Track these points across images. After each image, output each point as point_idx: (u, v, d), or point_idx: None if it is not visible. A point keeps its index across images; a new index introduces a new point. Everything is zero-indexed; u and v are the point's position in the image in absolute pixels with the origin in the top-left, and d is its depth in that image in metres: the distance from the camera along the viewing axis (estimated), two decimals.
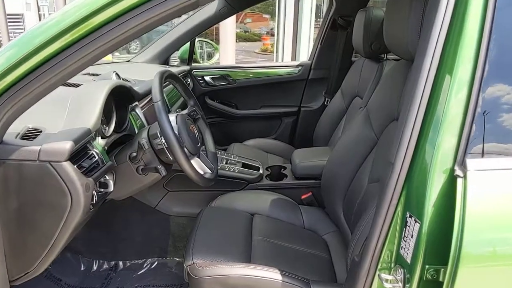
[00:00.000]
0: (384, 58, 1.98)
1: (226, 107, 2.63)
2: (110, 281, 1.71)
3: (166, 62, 2.48)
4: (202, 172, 1.33)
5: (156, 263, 1.78)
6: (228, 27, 7.27)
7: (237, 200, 1.60)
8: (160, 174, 1.23)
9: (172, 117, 1.26)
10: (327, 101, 2.52)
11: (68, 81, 1.47)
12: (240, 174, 1.74)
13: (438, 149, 0.78)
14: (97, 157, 1.13)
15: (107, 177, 1.18)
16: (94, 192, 1.10)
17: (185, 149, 1.24)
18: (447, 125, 0.78)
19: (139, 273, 1.75)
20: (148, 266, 1.77)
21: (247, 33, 13.47)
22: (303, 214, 1.60)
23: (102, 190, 1.16)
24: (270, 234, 1.41)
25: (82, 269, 1.75)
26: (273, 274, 1.13)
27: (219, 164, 1.73)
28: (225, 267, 1.16)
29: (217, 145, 2.74)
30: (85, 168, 1.06)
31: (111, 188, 1.17)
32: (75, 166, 1.01)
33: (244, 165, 1.81)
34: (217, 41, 7.44)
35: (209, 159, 1.41)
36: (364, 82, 2.01)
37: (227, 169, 1.73)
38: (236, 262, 1.20)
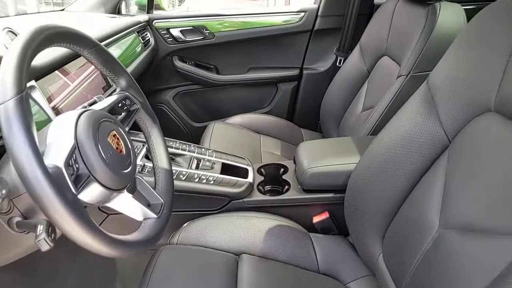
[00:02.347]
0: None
1: (202, 70, 2.05)
2: None
3: (116, 10, 1.83)
4: (141, 218, 0.72)
5: None
6: None
7: (213, 230, 1.04)
8: (41, 249, 0.60)
9: (71, 118, 0.63)
10: (340, 61, 1.95)
11: None
12: (218, 186, 1.13)
13: None
14: None
15: None
16: None
17: (97, 184, 0.62)
18: None
19: None
20: None
21: None
22: (316, 248, 1.07)
23: None
24: None
25: None
26: None
27: (185, 170, 1.12)
28: None
29: (193, 122, 2.17)
30: None
31: None
32: None
33: (225, 168, 1.20)
34: None
35: (158, 190, 0.79)
36: (398, 36, 1.41)
37: (197, 178, 1.12)
38: None
